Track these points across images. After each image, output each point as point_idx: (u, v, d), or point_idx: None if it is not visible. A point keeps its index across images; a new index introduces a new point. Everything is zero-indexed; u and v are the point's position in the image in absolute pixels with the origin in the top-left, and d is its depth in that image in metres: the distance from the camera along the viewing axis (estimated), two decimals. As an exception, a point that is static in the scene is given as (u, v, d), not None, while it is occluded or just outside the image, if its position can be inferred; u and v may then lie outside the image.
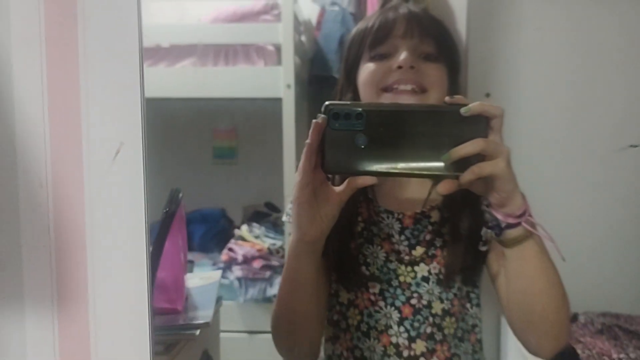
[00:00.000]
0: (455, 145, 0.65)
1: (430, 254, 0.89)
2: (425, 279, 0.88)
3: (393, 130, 0.66)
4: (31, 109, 0.52)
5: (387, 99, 0.86)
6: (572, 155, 2.41)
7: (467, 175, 0.65)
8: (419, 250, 0.89)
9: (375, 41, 0.89)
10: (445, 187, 0.66)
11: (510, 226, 0.71)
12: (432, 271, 0.88)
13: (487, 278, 0.90)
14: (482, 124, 0.66)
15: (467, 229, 0.87)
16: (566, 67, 2.30)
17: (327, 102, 0.67)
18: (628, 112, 2.26)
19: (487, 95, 1.95)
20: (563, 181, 2.36)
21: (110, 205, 0.52)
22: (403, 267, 0.88)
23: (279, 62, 2.07)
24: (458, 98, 0.68)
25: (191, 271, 1.37)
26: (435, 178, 0.72)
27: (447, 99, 0.69)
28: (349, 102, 0.68)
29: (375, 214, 0.92)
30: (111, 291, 0.52)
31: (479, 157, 0.65)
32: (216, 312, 1.00)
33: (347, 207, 0.74)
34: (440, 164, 0.65)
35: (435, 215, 0.91)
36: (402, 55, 0.86)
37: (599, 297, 1.84)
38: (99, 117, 0.52)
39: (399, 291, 0.88)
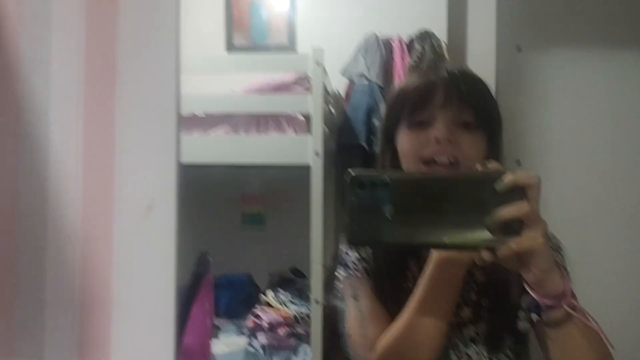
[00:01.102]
0: (489, 214, 0.62)
1: (477, 315, 0.88)
2: (473, 340, 0.88)
3: (421, 199, 0.64)
4: (66, 165, 0.52)
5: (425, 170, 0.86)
6: (602, 221, 2.37)
7: (505, 250, 0.63)
8: (465, 312, 0.89)
9: (414, 108, 0.88)
10: (488, 256, 0.64)
11: (549, 307, 0.68)
12: (480, 332, 0.87)
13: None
14: (517, 193, 0.64)
15: (513, 290, 0.85)
16: (596, 130, 2.31)
17: (351, 171, 0.65)
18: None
19: (518, 162, 1.96)
20: (593, 247, 2.31)
21: (139, 264, 0.51)
22: (450, 328, 0.86)
23: (308, 131, 2.12)
24: (492, 166, 0.67)
25: (217, 337, 1.36)
26: (467, 250, 0.69)
27: (478, 166, 0.68)
28: (374, 172, 0.66)
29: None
30: (135, 356, 0.51)
31: (517, 228, 0.63)
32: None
33: (397, 263, 0.78)
34: (472, 235, 0.63)
35: (480, 275, 0.90)
36: (440, 129, 0.85)
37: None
38: (132, 176, 0.52)
39: (450, 352, 0.87)
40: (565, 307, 0.67)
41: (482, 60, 2.02)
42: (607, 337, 0.70)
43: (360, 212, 0.63)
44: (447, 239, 0.64)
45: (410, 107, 0.89)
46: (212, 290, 0.93)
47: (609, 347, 0.71)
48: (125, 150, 0.53)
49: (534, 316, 0.71)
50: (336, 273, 0.99)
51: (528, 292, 0.68)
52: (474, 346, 0.87)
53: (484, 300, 0.89)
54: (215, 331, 1.40)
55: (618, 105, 2.32)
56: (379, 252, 0.90)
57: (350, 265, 0.94)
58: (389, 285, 0.86)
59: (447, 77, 0.88)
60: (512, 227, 0.63)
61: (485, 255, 0.64)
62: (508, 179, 0.63)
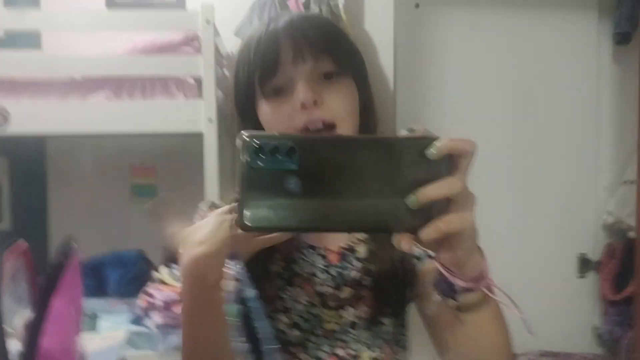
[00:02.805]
0: (415, 189, 0.51)
1: (358, 295, 0.80)
2: (352, 325, 0.79)
3: (335, 170, 0.51)
4: None
5: None
6: (508, 188, 2.46)
7: (432, 232, 0.53)
8: (345, 291, 0.80)
9: (263, 75, 0.75)
10: (407, 245, 0.54)
11: (466, 290, 0.60)
12: (360, 315, 0.79)
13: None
14: (444, 162, 0.53)
15: (397, 263, 0.79)
16: (495, 89, 2.37)
17: (245, 133, 0.51)
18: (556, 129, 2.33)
19: (415, 125, 1.95)
20: (500, 216, 2.39)
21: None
22: (327, 312, 0.79)
23: (199, 95, 1.99)
24: (419, 129, 0.56)
25: (93, 328, 1.23)
26: (387, 232, 0.58)
27: (403, 131, 0.57)
28: (276, 134, 0.52)
29: (296, 250, 0.82)
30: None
31: (443, 205, 0.53)
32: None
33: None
34: (394, 214, 0.52)
35: (362, 250, 0.82)
36: (301, 91, 0.72)
37: (537, 335, 1.83)
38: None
39: (323, 340, 0.79)
40: (484, 289, 0.60)
41: (380, 17, 1.98)
42: (529, 323, 0.63)
43: (256, 185, 0.50)
44: (360, 221, 0.52)
45: (259, 75, 0.75)
46: (79, 278, 0.80)
47: (521, 315, 0.64)
48: None
49: (450, 301, 0.62)
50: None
51: (439, 273, 0.60)
52: (353, 332, 0.79)
53: (365, 279, 0.80)
54: (91, 321, 1.26)
55: (516, 64, 2.38)
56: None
57: None
58: (252, 272, 0.69)
59: (288, 26, 0.75)
60: (438, 205, 0.53)
61: (405, 240, 0.54)
62: (443, 145, 0.52)
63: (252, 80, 0.76)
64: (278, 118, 0.75)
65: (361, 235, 0.83)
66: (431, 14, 2.18)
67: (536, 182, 2.44)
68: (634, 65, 2.15)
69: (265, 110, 0.77)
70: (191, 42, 2.04)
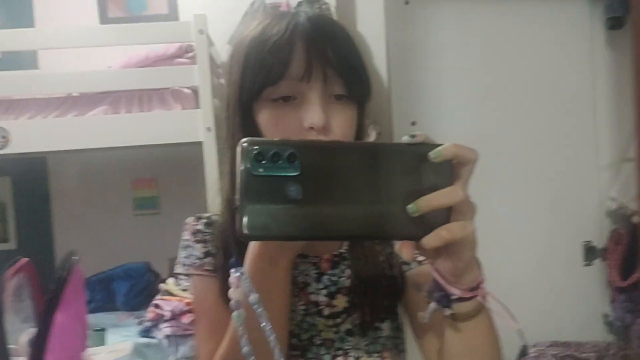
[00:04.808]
0: (415, 197, 0.51)
1: (352, 302, 0.78)
2: (349, 332, 0.78)
3: (336, 176, 0.50)
4: None
5: None
6: (507, 181, 2.46)
7: (434, 240, 0.52)
8: (340, 300, 0.78)
9: (269, 81, 0.69)
10: (409, 253, 0.53)
11: (461, 300, 0.59)
12: (357, 322, 0.78)
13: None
14: (446, 170, 0.52)
15: (387, 268, 0.78)
16: (487, 84, 2.36)
17: (245, 139, 0.49)
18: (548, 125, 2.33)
19: (413, 123, 1.94)
20: (501, 209, 2.39)
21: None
22: (324, 321, 0.77)
23: (197, 105, 2.00)
24: (420, 135, 0.54)
25: (102, 342, 1.23)
26: (389, 239, 0.59)
27: (405, 138, 0.54)
28: (274, 140, 0.50)
29: None
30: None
31: (444, 214, 0.52)
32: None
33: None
34: (395, 222, 0.51)
35: (353, 257, 0.80)
36: (315, 113, 0.68)
37: (547, 326, 1.82)
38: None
39: (322, 350, 0.77)
40: (481, 299, 0.59)
41: (371, 18, 1.98)
42: (522, 329, 0.62)
43: (257, 192, 0.48)
44: (362, 228, 0.51)
45: (264, 80, 0.69)
46: (83, 292, 0.80)
47: (517, 325, 0.62)
48: None
49: (445, 310, 0.61)
50: (175, 270, 0.81)
51: (435, 282, 0.59)
52: (351, 339, 0.77)
53: (359, 286, 0.78)
54: (99, 335, 1.26)
55: (510, 53, 2.37)
56: (231, 240, 0.72)
57: (192, 261, 0.78)
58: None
59: (307, 35, 0.69)
60: (440, 213, 0.52)
61: (406, 248, 0.54)
62: (447, 148, 0.52)
63: (256, 82, 0.71)
64: (282, 127, 0.70)
65: (350, 242, 0.81)
66: (420, 9, 2.17)
67: (535, 172, 2.43)
68: (627, 50, 2.15)
69: (267, 115, 0.71)
70: (185, 53, 2.05)
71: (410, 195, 0.51)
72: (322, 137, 0.68)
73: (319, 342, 0.77)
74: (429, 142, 0.53)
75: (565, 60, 2.41)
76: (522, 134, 2.40)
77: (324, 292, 0.79)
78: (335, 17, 1.95)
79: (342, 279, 0.79)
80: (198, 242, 0.79)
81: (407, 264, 0.81)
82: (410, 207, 0.51)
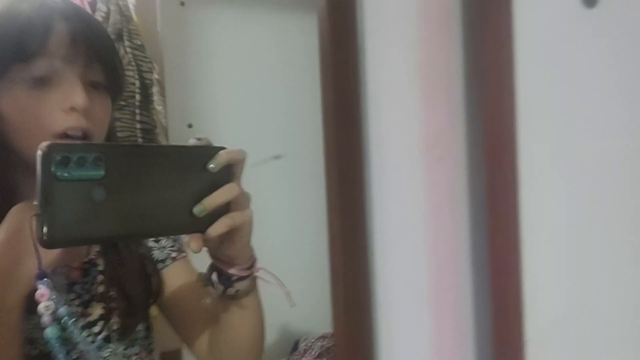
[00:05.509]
0: (201, 195, 0.58)
1: (108, 308, 0.75)
2: (107, 338, 0.74)
3: (136, 178, 0.53)
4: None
5: None
6: (276, 173, 2.49)
7: (219, 228, 0.60)
8: (95, 308, 0.74)
9: (21, 57, 0.63)
10: (197, 245, 0.60)
11: (241, 279, 0.67)
12: (114, 328, 0.75)
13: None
14: (224, 170, 0.61)
15: (140, 269, 0.79)
16: (258, 91, 2.41)
17: (44, 144, 0.48)
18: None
19: (190, 126, 1.92)
20: (271, 198, 2.41)
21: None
22: (80, 334, 0.70)
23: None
24: (204, 139, 0.62)
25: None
26: (180, 234, 0.67)
27: (192, 140, 0.62)
28: (80, 143, 0.54)
29: None
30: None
31: (222, 209, 0.60)
32: None
33: None
34: (185, 218, 0.57)
35: (102, 262, 0.77)
36: (77, 93, 0.65)
37: (316, 319, 1.88)
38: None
39: None
40: (256, 274, 0.68)
41: (147, 16, 1.95)
42: (289, 295, 0.71)
43: (59, 198, 0.48)
44: (157, 226, 0.56)
45: (23, 54, 0.64)
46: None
47: (285, 290, 0.71)
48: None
49: (230, 290, 0.68)
50: None
51: (214, 267, 0.67)
52: (109, 345, 0.74)
53: (112, 290, 0.76)
54: None
55: (284, 66, 2.43)
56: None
57: None
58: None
59: (67, 15, 0.66)
60: (216, 212, 0.60)
61: (195, 240, 0.60)
62: (221, 158, 0.60)
63: (10, 57, 0.64)
64: (35, 114, 0.65)
65: (100, 247, 0.78)
66: (196, 11, 2.16)
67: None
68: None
69: (16, 99, 0.65)
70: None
71: (195, 193, 0.58)
72: (83, 121, 0.66)
73: (75, 355, 0.69)
74: (212, 147, 0.61)
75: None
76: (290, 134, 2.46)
77: (77, 301, 0.73)
78: (134, 17, 1.89)
79: (95, 285, 0.76)
80: None
81: (163, 261, 0.84)
82: (197, 208, 0.58)
